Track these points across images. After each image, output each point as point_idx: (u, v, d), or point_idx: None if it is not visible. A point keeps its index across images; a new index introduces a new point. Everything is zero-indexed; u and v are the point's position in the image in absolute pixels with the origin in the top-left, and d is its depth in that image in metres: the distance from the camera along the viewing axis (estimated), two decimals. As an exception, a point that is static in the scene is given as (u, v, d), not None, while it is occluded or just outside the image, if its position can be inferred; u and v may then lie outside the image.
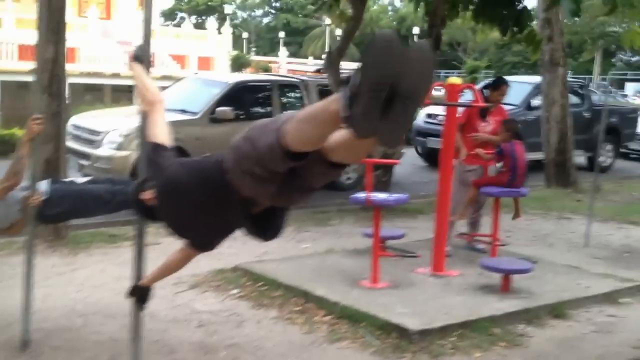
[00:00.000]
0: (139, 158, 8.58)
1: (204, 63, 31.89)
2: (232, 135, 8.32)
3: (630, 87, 43.01)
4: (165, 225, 2.97)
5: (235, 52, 33.37)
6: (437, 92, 8.71)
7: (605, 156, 14.17)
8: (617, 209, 9.51)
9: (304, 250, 6.69)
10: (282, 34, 49.95)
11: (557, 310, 5.03)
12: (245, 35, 50.46)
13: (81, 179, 4.62)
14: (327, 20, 47.42)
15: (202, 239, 3.04)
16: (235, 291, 5.40)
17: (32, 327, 4.39)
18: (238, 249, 6.70)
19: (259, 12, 79.40)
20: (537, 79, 12.87)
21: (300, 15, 66.60)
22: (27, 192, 4.08)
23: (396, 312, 4.69)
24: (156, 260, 6.14)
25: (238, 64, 29.76)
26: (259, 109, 10.10)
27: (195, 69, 30.65)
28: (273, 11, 77.12)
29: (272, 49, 63.01)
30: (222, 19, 43.45)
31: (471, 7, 8.60)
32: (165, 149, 2.87)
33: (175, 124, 9.06)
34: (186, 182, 2.71)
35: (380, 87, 1.84)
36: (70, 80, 25.93)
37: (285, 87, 10.29)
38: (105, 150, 8.59)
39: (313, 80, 10.44)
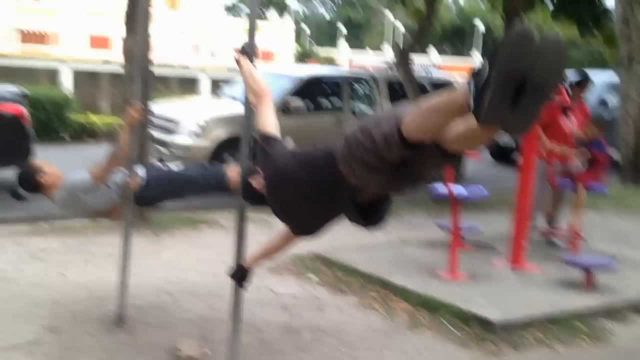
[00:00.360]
0: (219, 146, 8.75)
1: (266, 56, 32.28)
2: (304, 127, 8.41)
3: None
4: (272, 210, 3.07)
5: (301, 47, 33.71)
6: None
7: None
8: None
9: (376, 240, 6.74)
10: (342, 27, 49.98)
11: (642, 308, 4.97)
12: (306, 29, 50.65)
13: (174, 166, 4.77)
14: (390, 15, 47.32)
15: (307, 225, 3.12)
16: (313, 277, 5.50)
17: (125, 304, 4.61)
18: (312, 237, 6.83)
19: (319, 7, 79.83)
20: (610, 75, 12.59)
21: (360, 10, 66.57)
22: (126, 176, 4.25)
23: (477, 304, 4.71)
24: (224, 243, 6.31)
25: (303, 58, 30.04)
26: (329, 103, 10.20)
27: (259, 61, 31.13)
28: (334, 6, 77.35)
29: (332, 43, 63.11)
30: (282, 12, 43.78)
31: (550, 4, 8.51)
32: (275, 139, 2.96)
33: (249, 115, 9.33)
34: (297, 172, 2.80)
35: (511, 78, 1.87)
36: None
37: (356, 81, 10.35)
38: (183, 138, 8.81)
39: (383, 75, 10.47)
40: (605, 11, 8.07)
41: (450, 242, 5.62)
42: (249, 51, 3.27)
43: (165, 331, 4.30)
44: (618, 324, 4.77)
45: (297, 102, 9.30)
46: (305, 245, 6.24)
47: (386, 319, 4.69)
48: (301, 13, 69.77)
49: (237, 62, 3.28)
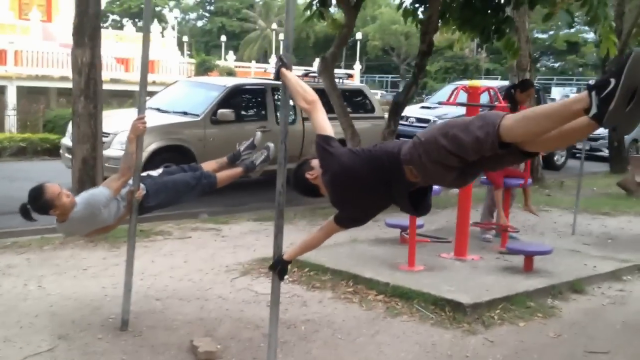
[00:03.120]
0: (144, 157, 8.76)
1: (149, 66, 31.92)
2: (232, 135, 8.94)
3: (555, 92, 45.36)
4: (333, 200, 3.44)
5: (202, 56, 33.53)
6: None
7: (559, 155, 15.24)
8: (585, 202, 10.38)
9: (327, 241, 7.16)
10: (223, 38, 50.11)
11: (576, 287, 5.73)
12: (185, 38, 50.22)
13: (155, 172, 4.94)
14: (274, 25, 47.85)
15: (361, 214, 3.52)
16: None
17: (121, 311, 4.79)
18: (265, 242, 7.19)
19: (192, 15, 79.23)
20: (502, 83, 13.78)
21: (235, 19, 66.61)
22: (130, 187, 4.44)
23: (444, 290, 5.27)
24: (182, 251, 6.59)
25: (203, 68, 29.91)
26: (253, 111, 10.56)
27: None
28: (207, 14, 77.10)
29: (208, 53, 62.80)
30: (158, 22, 43.29)
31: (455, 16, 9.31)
32: (333, 139, 3.34)
33: (178, 126, 9.53)
34: (362, 168, 3.20)
35: (630, 90, 2.45)
36: (17, 83, 25.23)
37: (277, 90, 10.74)
38: (114, 151, 8.85)
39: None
40: (507, 19, 8.92)
41: (403, 238, 6.18)
42: (287, 62, 3.54)
43: (171, 332, 4.53)
44: (560, 301, 5.50)
45: (226, 112, 9.59)
46: (261, 250, 6.66)
47: (365, 309, 5.15)
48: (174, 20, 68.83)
49: (280, 74, 3.54)
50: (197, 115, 9.61)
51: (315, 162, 3.47)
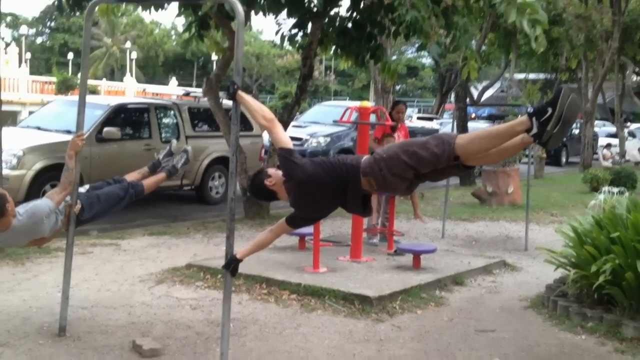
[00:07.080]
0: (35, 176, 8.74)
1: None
2: (118, 153, 9.38)
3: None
4: (294, 202, 3.91)
5: (64, 75, 32.45)
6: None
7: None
8: (448, 210, 11.52)
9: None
10: (70, 56, 48.46)
11: (458, 280, 6.58)
12: (28, 55, 47.95)
13: (82, 188, 5.13)
14: (127, 43, 46.62)
15: (316, 214, 4.05)
16: (200, 283, 6.22)
17: (51, 319, 4.96)
18: (167, 254, 7.50)
19: (32, 31, 75.66)
20: (352, 103, 14.79)
21: (79, 36, 64.47)
22: (67, 202, 4.66)
23: (350, 286, 5.89)
24: (89, 265, 6.80)
25: (65, 86, 28.95)
26: (138, 129, 10.71)
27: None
28: (48, 30, 73.99)
29: (49, 70, 60.29)
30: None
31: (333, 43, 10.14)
32: (295, 151, 3.83)
33: (63, 144, 9.44)
34: (322, 175, 3.73)
35: (560, 116, 3.25)
36: None
37: (160, 109, 10.99)
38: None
39: (184, 103, 11.28)
40: (379, 46, 9.87)
41: (302, 244, 6.74)
42: (239, 86, 3.98)
43: (108, 335, 4.78)
44: (446, 292, 6.30)
45: (112, 131, 9.74)
46: (166, 261, 6.95)
47: (283, 307, 5.64)
48: (10, 37, 65.40)
49: (237, 96, 3.95)
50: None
51: (272, 171, 3.96)
